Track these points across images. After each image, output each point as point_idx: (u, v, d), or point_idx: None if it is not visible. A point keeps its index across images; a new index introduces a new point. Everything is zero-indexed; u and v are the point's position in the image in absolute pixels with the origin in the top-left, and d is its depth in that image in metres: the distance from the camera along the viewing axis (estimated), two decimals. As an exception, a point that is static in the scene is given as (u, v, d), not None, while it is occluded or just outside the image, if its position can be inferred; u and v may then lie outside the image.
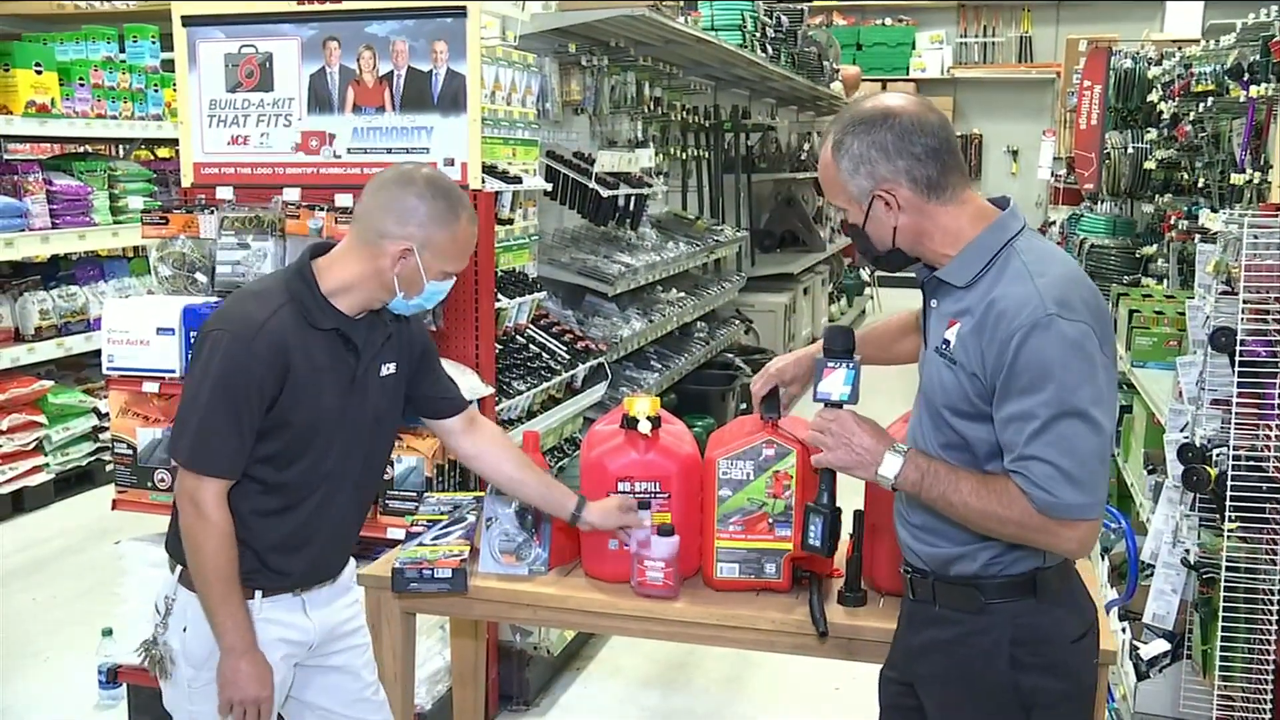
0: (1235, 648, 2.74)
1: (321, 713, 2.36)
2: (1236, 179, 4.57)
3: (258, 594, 2.18)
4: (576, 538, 2.59)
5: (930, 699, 2.00)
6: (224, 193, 3.52)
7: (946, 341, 1.86)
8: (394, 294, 2.18)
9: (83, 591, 4.68)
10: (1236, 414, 2.70)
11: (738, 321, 7.50)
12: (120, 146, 7.26)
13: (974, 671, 1.90)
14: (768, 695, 3.89)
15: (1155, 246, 6.11)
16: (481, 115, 3.36)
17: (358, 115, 3.41)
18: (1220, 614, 2.74)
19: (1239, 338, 2.69)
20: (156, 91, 6.22)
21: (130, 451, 3.31)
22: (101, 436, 5.95)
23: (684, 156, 7.08)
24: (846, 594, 2.39)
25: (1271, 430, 2.67)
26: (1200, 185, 5.66)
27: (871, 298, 12.58)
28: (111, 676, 3.60)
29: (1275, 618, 2.69)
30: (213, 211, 3.39)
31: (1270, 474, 2.67)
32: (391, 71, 3.36)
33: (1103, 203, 7.92)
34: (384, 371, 2.27)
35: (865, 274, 12.42)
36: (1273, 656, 2.71)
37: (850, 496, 2.21)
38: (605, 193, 4.97)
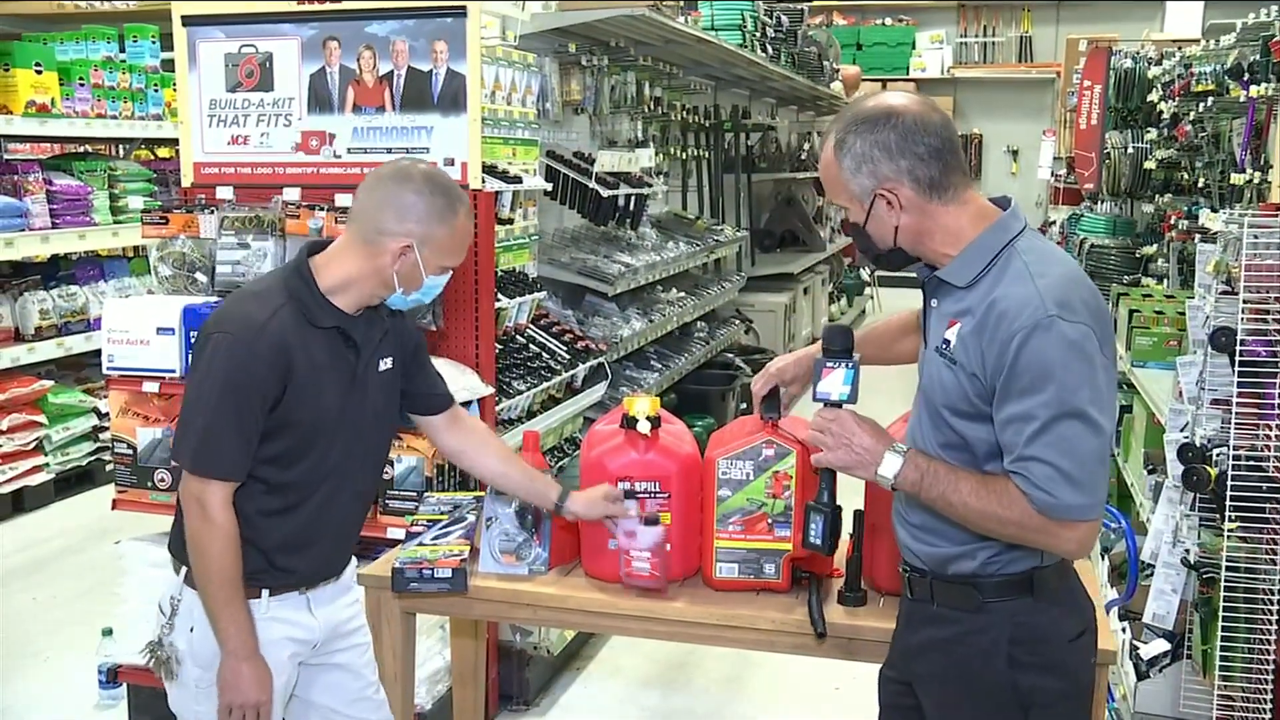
0: (1235, 647, 2.74)
1: (324, 712, 2.36)
2: (1236, 179, 4.57)
3: (264, 593, 2.18)
4: (576, 538, 2.59)
5: (928, 698, 2.00)
6: (224, 192, 3.52)
7: (947, 341, 1.86)
8: (393, 290, 2.18)
9: (83, 591, 4.68)
10: (1236, 414, 2.70)
11: (738, 321, 7.50)
12: (120, 146, 7.26)
13: (972, 670, 1.90)
14: (768, 695, 3.89)
15: (1155, 246, 6.11)
16: (481, 115, 3.36)
17: (358, 115, 3.41)
18: (1220, 614, 2.74)
19: (1239, 337, 2.69)
20: (156, 91, 6.22)
21: (130, 451, 3.31)
22: (101, 436, 5.96)
23: (684, 156, 7.08)
24: (846, 594, 2.39)
25: (1271, 430, 2.67)
26: (1200, 185, 5.66)
27: (871, 298, 12.59)
28: (111, 676, 3.60)
29: (1275, 617, 2.69)
30: (213, 211, 3.39)
31: (1270, 474, 2.67)
32: (391, 71, 3.36)
33: (1103, 202, 7.92)
34: (382, 367, 2.28)
35: (865, 274, 12.42)
36: (1273, 656, 2.71)
37: (850, 496, 2.21)
38: (605, 192, 4.97)
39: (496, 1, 3.90)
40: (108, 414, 3.43)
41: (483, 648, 3.03)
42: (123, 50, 6.14)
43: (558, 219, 5.27)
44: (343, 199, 3.30)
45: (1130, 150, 6.82)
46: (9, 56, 5.35)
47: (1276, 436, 2.66)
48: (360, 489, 2.33)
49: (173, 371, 3.22)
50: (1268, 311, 2.70)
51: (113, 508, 3.40)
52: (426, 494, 3.04)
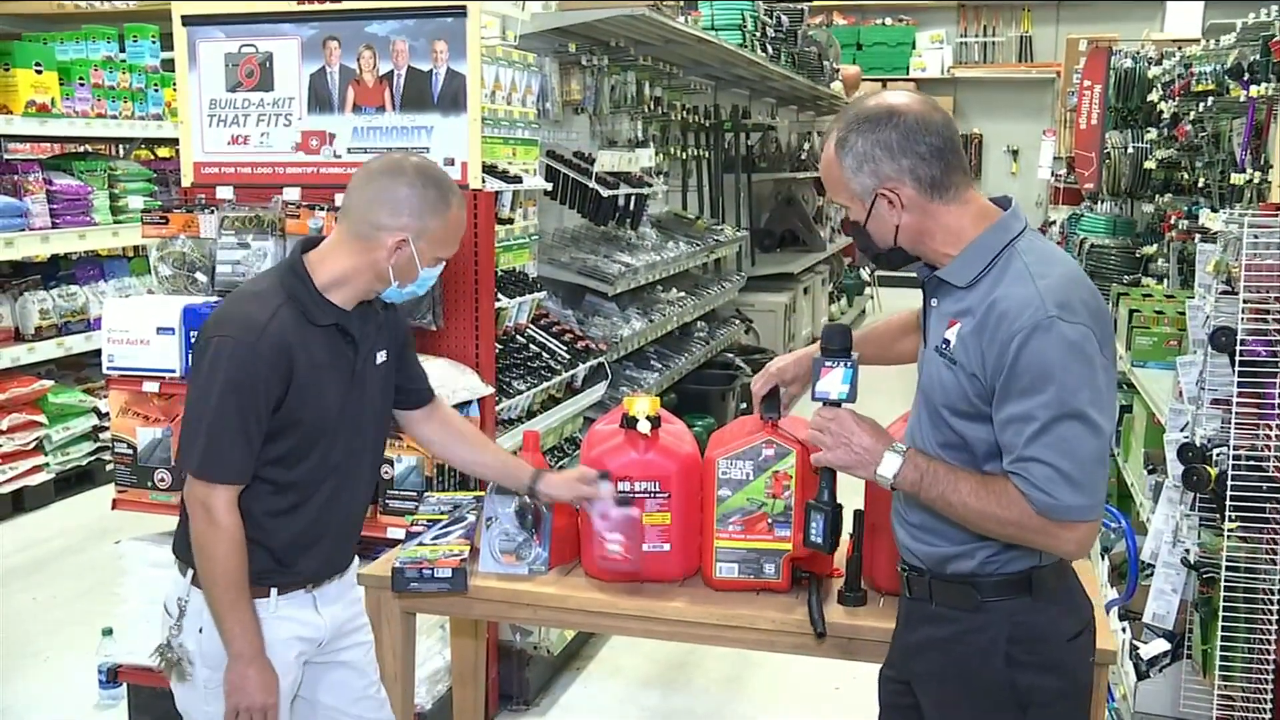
0: (1235, 647, 2.74)
1: (329, 712, 2.36)
2: (1236, 179, 4.57)
3: (273, 591, 2.19)
4: (576, 538, 2.59)
5: (927, 697, 2.01)
6: (224, 192, 3.52)
7: (946, 341, 1.86)
8: (389, 284, 2.18)
9: (83, 591, 4.68)
10: (1236, 414, 2.70)
11: (738, 321, 7.50)
12: (120, 146, 7.26)
13: (970, 669, 1.90)
14: (768, 695, 3.89)
15: (1155, 246, 6.11)
16: (481, 115, 3.36)
17: (358, 115, 3.41)
18: (1220, 614, 2.74)
19: (1239, 337, 2.69)
20: (156, 91, 6.22)
21: (130, 451, 3.31)
22: (102, 436, 5.96)
23: (684, 156, 7.08)
24: (846, 594, 2.39)
25: (1272, 430, 2.67)
26: (1200, 185, 5.66)
27: (871, 298, 12.59)
28: (112, 676, 3.60)
29: (1275, 617, 2.69)
30: (213, 211, 3.39)
31: (1270, 474, 2.67)
32: (392, 71, 3.36)
33: (1103, 202, 7.92)
34: (379, 360, 2.28)
35: (865, 274, 12.42)
36: (1273, 656, 2.71)
37: (850, 496, 2.21)
38: (605, 192, 4.97)
39: (496, 1, 3.90)
40: (108, 414, 3.43)
41: (483, 647, 3.03)
42: (123, 50, 6.14)
43: (558, 219, 5.27)
44: (343, 199, 3.29)
45: (1130, 150, 6.82)
46: (9, 56, 5.35)
47: (1276, 436, 2.66)
48: (363, 483, 2.35)
49: (173, 371, 3.22)
50: (1268, 311, 2.70)
51: (113, 507, 3.40)
52: (426, 494, 3.04)
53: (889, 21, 14.89)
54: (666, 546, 2.45)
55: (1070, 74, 9.74)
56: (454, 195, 2.19)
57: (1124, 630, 3.25)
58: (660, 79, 6.04)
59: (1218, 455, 2.78)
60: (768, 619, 2.36)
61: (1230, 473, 2.69)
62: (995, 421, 1.81)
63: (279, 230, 3.28)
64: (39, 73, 5.43)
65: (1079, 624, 1.94)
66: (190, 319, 3.18)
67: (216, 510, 2.07)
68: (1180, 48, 6.30)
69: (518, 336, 3.98)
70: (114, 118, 5.95)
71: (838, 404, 1.97)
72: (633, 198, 5.35)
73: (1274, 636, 2.70)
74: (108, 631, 3.67)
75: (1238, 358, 2.69)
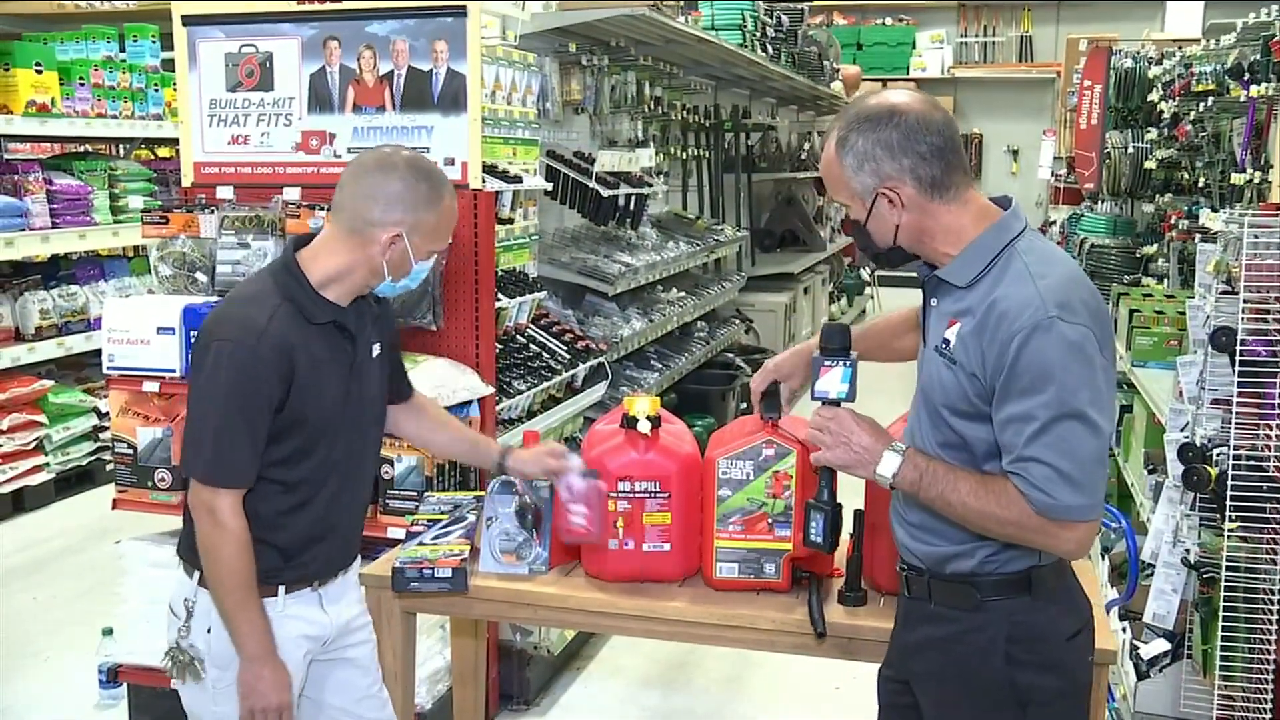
0: (1235, 647, 2.74)
1: (333, 712, 2.36)
2: (1237, 179, 4.57)
3: (281, 590, 2.19)
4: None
5: (926, 696, 2.01)
6: (224, 192, 3.52)
7: (946, 341, 1.86)
8: (384, 279, 2.19)
9: (83, 591, 4.68)
10: (1237, 414, 2.70)
11: (738, 321, 7.50)
12: (120, 146, 7.26)
13: (970, 669, 1.91)
14: (768, 695, 3.89)
15: (1155, 246, 6.11)
16: (482, 115, 3.36)
17: (358, 115, 3.41)
18: (1220, 613, 2.74)
19: (1239, 337, 2.69)
20: (157, 91, 6.22)
21: (130, 451, 3.31)
22: (102, 436, 5.96)
23: (684, 156, 7.08)
24: (846, 594, 2.39)
25: (1272, 430, 2.67)
26: (1200, 185, 5.66)
27: (872, 297, 12.58)
28: (112, 676, 3.60)
29: (1275, 617, 2.69)
30: (213, 211, 3.39)
31: (1270, 474, 2.67)
32: (392, 71, 3.36)
33: (1103, 202, 7.92)
34: (374, 353, 2.29)
35: (865, 273, 12.43)
36: (1273, 656, 2.71)
37: (851, 496, 2.21)
38: (605, 192, 4.97)
39: (497, 1, 3.90)
40: (108, 414, 3.43)
41: (483, 647, 3.03)
42: (123, 50, 6.14)
43: (558, 219, 5.27)
44: (334, 195, 3.29)
45: (1130, 150, 6.82)
46: (9, 56, 5.35)
47: (1277, 436, 2.66)
48: (365, 476, 2.36)
49: (173, 371, 3.22)
50: (1268, 311, 2.70)
51: (113, 507, 3.40)
52: (427, 494, 3.04)
53: (889, 21, 14.89)
54: (667, 546, 2.45)
55: (1070, 74, 9.74)
56: (446, 187, 2.19)
57: (1124, 630, 3.25)
58: (660, 79, 6.04)
59: (1218, 455, 2.78)
60: (768, 619, 2.36)
61: (1230, 473, 2.69)
62: (995, 421, 1.81)
63: (279, 230, 3.28)
64: (39, 73, 5.43)
65: (1078, 623, 1.94)
66: (190, 319, 3.18)
67: (222, 514, 2.07)
68: (1180, 48, 6.30)
69: (518, 336, 3.98)
70: (114, 118, 5.95)
71: (837, 403, 1.97)
72: (633, 198, 5.35)
73: (1274, 636, 2.70)
74: (108, 631, 3.67)
75: (1238, 358, 2.69)
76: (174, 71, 3.74)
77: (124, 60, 6.10)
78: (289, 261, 2.17)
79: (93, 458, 5.99)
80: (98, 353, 4.70)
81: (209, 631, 2.17)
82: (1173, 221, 5.64)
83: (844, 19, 14.70)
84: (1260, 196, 4.41)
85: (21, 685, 3.92)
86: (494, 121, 3.55)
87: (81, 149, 6.65)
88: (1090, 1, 13.46)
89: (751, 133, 8.94)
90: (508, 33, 3.88)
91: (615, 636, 4.04)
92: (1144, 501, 3.77)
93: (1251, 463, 2.70)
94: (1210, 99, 4.99)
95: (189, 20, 3.52)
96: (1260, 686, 2.72)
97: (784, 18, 8.03)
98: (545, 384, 3.90)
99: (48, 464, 5.75)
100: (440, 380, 3.17)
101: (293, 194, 3.42)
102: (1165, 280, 5.67)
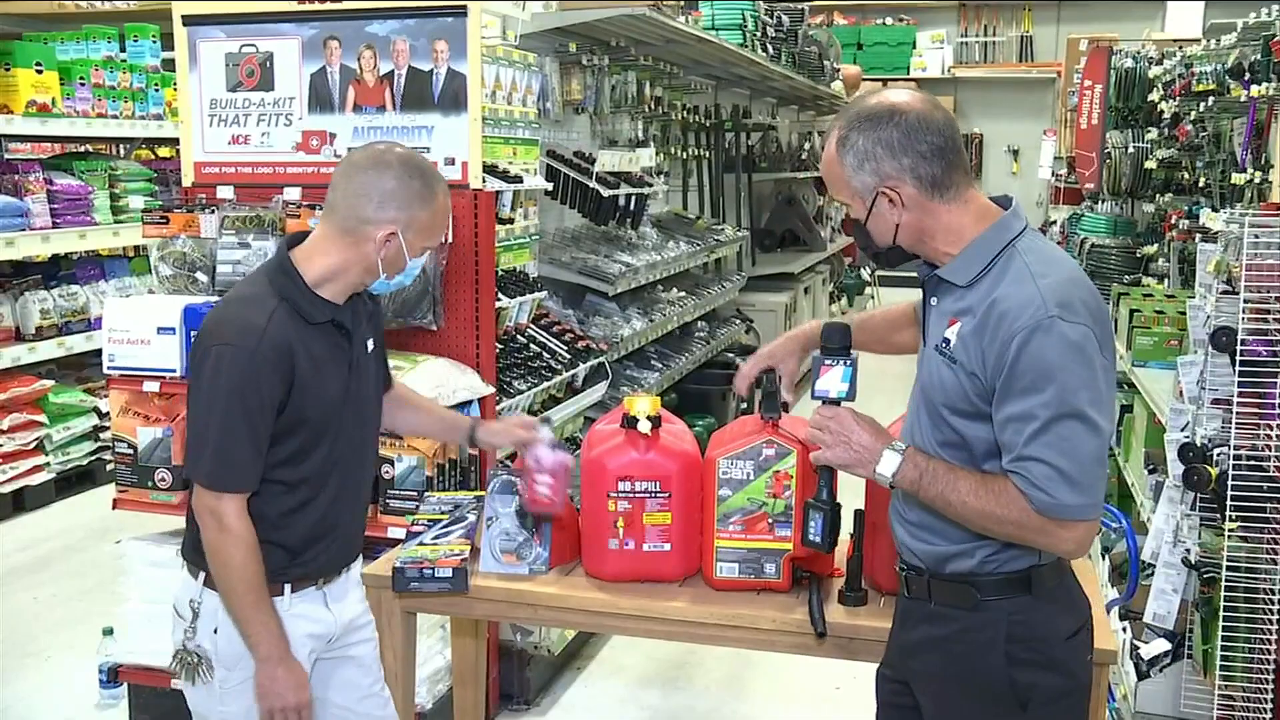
0: (1236, 647, 2.74)
1: (337, 711, 2.36)
2: (1237, 178, 4.57)
3: (287, 588, 2.19)
4: (577, 537, 2.59)
5: (926, 696, 2.01)
6: (225, 192, 3.52)
7: (946, 340, 1.86)
8: (378, 276, 2.19)
9: (84, 591, 4.68)
10: (1237, 413, 2.70)
11: (738, 321, 7.50)
12: (121, 146, 7.27)
13: (970, 668, 1.91)
14: (768, 695, 3.89)
15: (1156, 246, 6.11)
16: (482, 114, 3.36)
17: (358, 114, 3.41)
18: (1221, 613, 2.74)
19: (1240, 337, 2.69)
20: (157, 91, 6.22)
21: (131, 451, 3.31)
22: (102, 436, 5.96)
23: (684, 156, 7.08)
24: (847, 593, 2.39)
25: (1272, 430, 2.67)
26: (1201, 185, 5.66)
27: (872, 297, 12.58)
28: (112, 676, 3.60)
29: (1276, 617, 2.69)
30: (213, 211, 3.39)
31: (1271, 474, 2.67)
32: (392, 71, 3.36)
33: (1103, 202, 7.92)
34: (369, 349, 2.30)
35: (866, 273, 12.42)
36: (1273, 656, 2.71)
37: (851, 496, 2.21)
38: (606, 192, 4.97)
39: (497, 1, 3.90)
40: (108, 413, 3.43)
41: (483, 647, 3.03)
42: (123, 50, 6.14)
43: (558, 218, 5.27)
44: (327, 194, 3.30)
45: (1131, 150, 6.82)
46: (10, 56, 5.35)
47: (1277, 436, 2.66)
48: (367, 471, 2.37)
49: (173, 371, 3.21)
50: (1268, 311, 2.70)
51: (113, 507, 3.40)
52: (427, 494, 3.04)
53: (889, 21, 14.88)
54: (667, 546, 2.45)
55: (1071, 74, 9.74)
56: (439, 184, 2.19)
57: (1125, 630, 3.25)
58: (661, 79, 6.04)
59: (1218, 455, 2.78)
60: (768, 619, 2.36)
61: (1231, 473, 2.69)
62: (995, 421, 1.81)
63: (280, 230, 3.28)
64: (40, 72, 5.43)
65: (1077, 622, 1.94)
66: (191, 319, 3.18)
67: (227, 518, 2.07)
68: (1181, 47, 6.30)
69: (518, 336, 3.98)
70: (114, 117, 5.95)
71: (837, 402, 1.97)
72: (633, 197, 5.35)
73: (1275, 636, 2.70)
74: (108, 631, 3.67)
75: (1238, 358, 2.69)
76: (174, 71, 3.74)
77: (124, 60, 6.10)
78: (283, 261, 2.16)
79: (93, 457, 6.00)
80: (98, 353, 4.70)
81: (215, 632, 2.17)
82: (1173, 221, 5.64)
83: (844, 19, 14.70)
84: (1261, 196, 4.42)
85: (22, 685, 3.92)
86: (494, 121, 3.56)
87: (82, 149, 6.65)
88: (1091, 1, 13.46)
89: (752, 132, 8.94)
90: (508, 32, 3.88)
91: (615, 636, 4.05)
92: (1144, 501, 3.77)
93: (1252, 463, 2.69)
94: (1211, 99, 4.99)
95: (189, 20, 3.52)
96: (1260, 686, 2.71)
97: (784, 17, 8.03)
98: (545, 384, 3.90)
99: (48, 464, 5.75)
100: (440, 380, 3.18)
101: (293, 194, 3.43)
102: (1166, 280, 5.67)
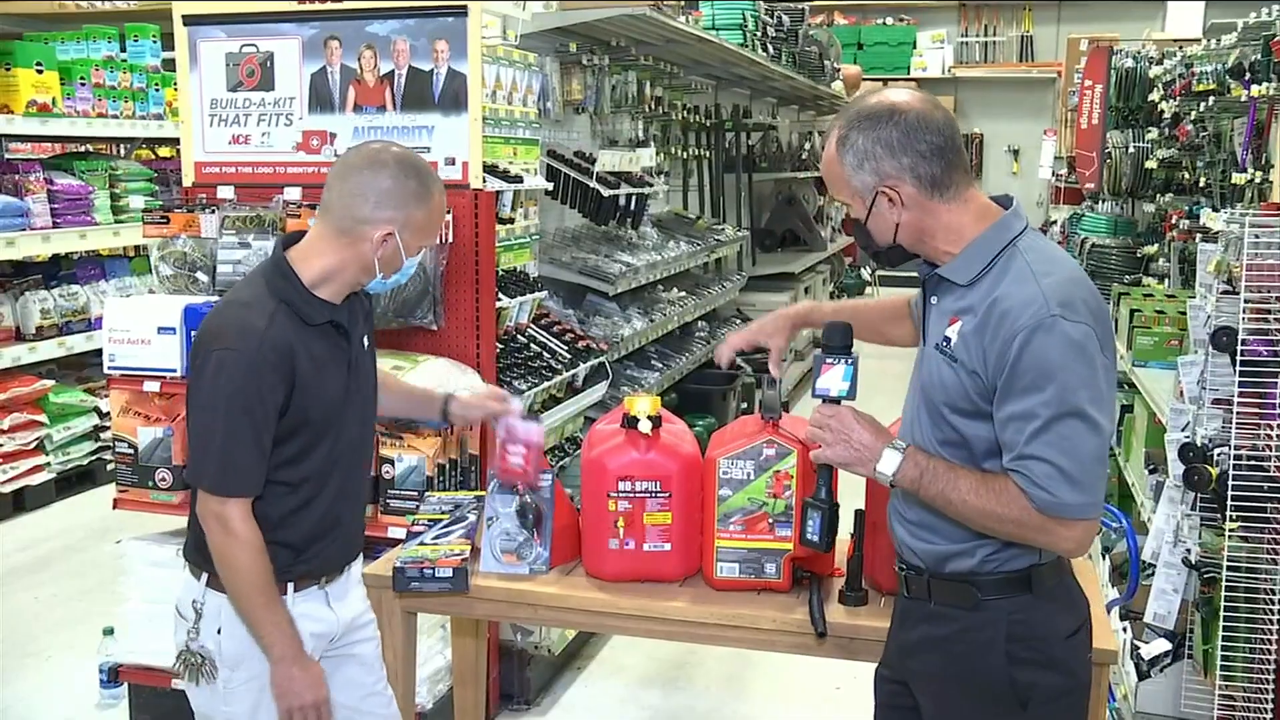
0: (1236, 647, 2.74)
1: (341, 710, 2.36)
2: (1238, 178, 4.57)
3: (289, 588, 2.19)
4: (577, 537, 2.59)
5: (925, 696, 2.01)
6: (225, 192, 3.52)
7: (947, 339, 1.86)
8: (375, 276, 2.19)
9: (84, 591, 4.68)
10: (1238, 413, 2.70)
11: (739, 321, 7.49)
12: (121, 146, 7.27)
13: (970, 667, 1.91)
14: (768, 695, 3.89)
15: (1156, 246, 6.11)
16: (483, 114, 3.36)
17: (359, 114, 3.41)
18: (1221, 613, 2.74)
19: (1240, 337, 2.69)
20: (157, 91, 6.22)
21: (131, 451, 3.31)
22: (103, 436, 5.96)
23: (685, 156, 7.08)
24: (848, 593, 2.39)
25: (1273, 430, 2.67)
26: (1201, 185, 5.66)
27: (873, 297, 12.59)
28: (113, 676, 3.60)
29: (1276, 617, 2.69)
30: (214, 211, 3.39)
31: (1271, 474, 2.67)
32: (392, 71, 3.36)
33: (1104, 202, 7.91)
34: (366, 344, 2.31)
35: (866, 273, 12.43)
36: (1274, 656, 2.71)
37: (852, 496, 2.21)
38: (606, 192, 4.97)
39: (497, 1, 3.90)
40: (109, 413, 3.43)
41: (484, 647, 3.03)
42: (124, 50, 6.14)
43: (559, 218, 5.27)
44: (323, 194, 3.30)
45: (1131, 150, 6.82)
46: (10, 56, 5.35)
47: (1278, 436, 2.66)
48: (365, 468, 2.38)
49: (174, 371, 3.21)
50: (1269, 311, 2.70)
51: (114, 507, 3.40)
52: (427, 493, 3.04)
53: (890, 21, 14.87)
54: (667, 546, 2.45)
55: (1071, 74, 9.73)
56: (435, 183, 2.19)
57: (1125, 630, 3.25)
58: (661, 78, 6.04)
59: (1219, 455, 2.78)
60: (768, 619, 2.36)
61: (1231, 473, 2.69)
62: (996, 419, 1.81)
63: (280, 230, 3.28)
64: (40, 72, 5.44)
65: (1076, 621, 1.94)
66: (191, 319, 3.17)
67: (233, 522, 2.07)
68: (1181, 47, 6.30)
69: (518, 336, 3.98)
70: (115, 117, 5.95)
71: (838, 401, 1.97)
72: (633, 197, 5.35)
73: (1275, 636, 2.70)
74: (109, 631, 3.67)
75: (1239, 357, 2.69)
76: (175, 71, 3.74)
77: (125, 60, 6.10)
78: (280, 262, 2.15)
79: (93, 457, 6.00)
80: (98, 352, 4.69)
81: (219, 632, 2.17)
82: (1173, 221, 5.64)
83: (845, 19, 14.70)
84: (1261, 196, 4.42)
85: (22, 685, 3.92)
86: (495, 121, 3.55)
87: (82, 149, 6.65)
88: (1091, 1, 13.46)
89: (752, 132, 8.94)
90: (508, 32, 3.88)
91: (616, 636, 4.05)
92: (1145, 501, 3.77)
93: (1252, 463, 2.69)
94: (1211, 99, 4.99)
95: (190, 20, 3.52)
96: (1261, 686, 2.71)
97: (785, 17, 8.03)
98: (546, 384, 3.90)
99: (48, 464, 5.75)
100: (441, 380, 3.17)
101: (293, 194, 3.43)
102: (1166, 280, 5.67)
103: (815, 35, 9.55)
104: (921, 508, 1.93)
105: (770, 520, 2.37)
